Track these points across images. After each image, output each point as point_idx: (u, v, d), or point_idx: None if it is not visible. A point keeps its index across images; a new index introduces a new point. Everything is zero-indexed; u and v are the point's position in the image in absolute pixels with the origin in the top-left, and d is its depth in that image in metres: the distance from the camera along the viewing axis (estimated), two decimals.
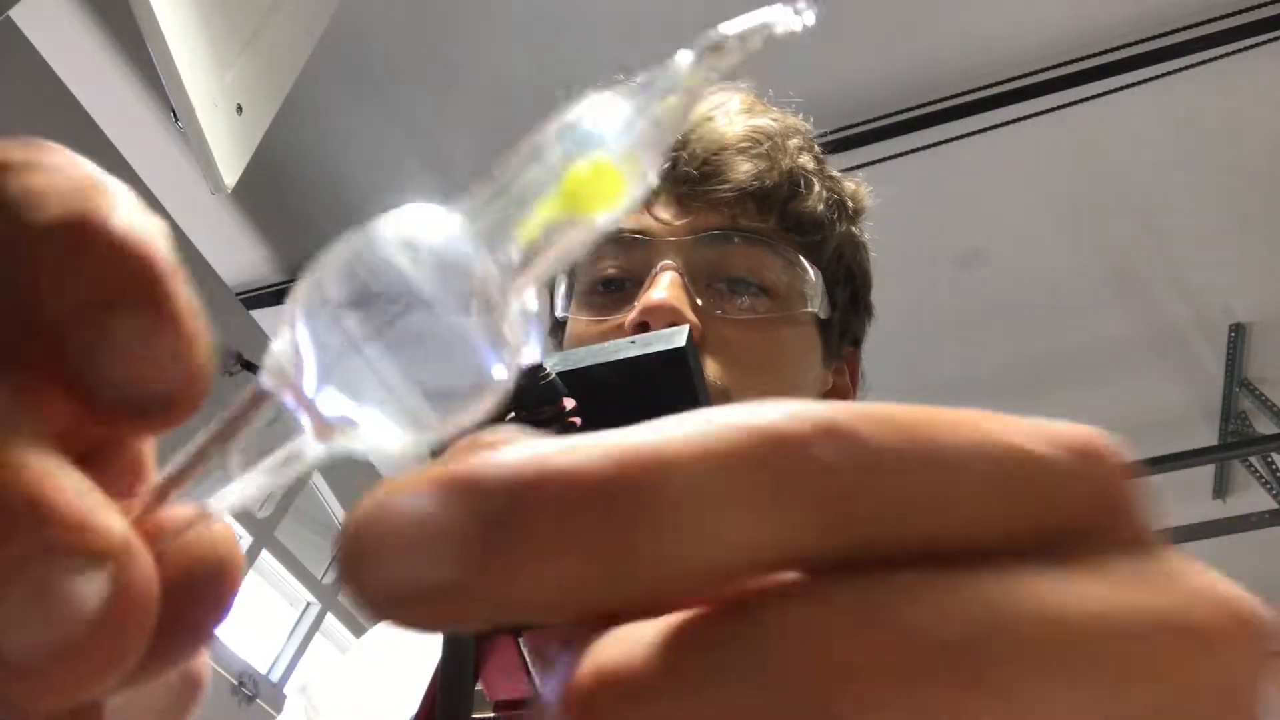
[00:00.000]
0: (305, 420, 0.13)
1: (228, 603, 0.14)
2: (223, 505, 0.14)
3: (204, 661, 0.21)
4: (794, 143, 0.62)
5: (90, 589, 0.11)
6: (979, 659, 0.10)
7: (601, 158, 0.14)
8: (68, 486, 0.12)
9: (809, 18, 0.15)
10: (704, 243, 0.57)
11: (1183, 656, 0.11)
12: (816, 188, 0.61)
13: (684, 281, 0.56)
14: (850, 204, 0.66)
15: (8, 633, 0.11)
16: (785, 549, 0.11)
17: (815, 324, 0.61)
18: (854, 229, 0.66)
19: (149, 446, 0.15)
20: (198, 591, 0.13)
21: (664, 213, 0.59)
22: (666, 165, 0.58)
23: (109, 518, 0.12)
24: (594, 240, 0.14)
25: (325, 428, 0.14)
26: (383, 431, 0.13)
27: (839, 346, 0.65)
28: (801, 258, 0.60)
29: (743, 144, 0.60)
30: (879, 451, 0.11)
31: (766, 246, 0.59)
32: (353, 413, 0.13)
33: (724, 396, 0.54)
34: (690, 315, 0.54)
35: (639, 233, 0.59)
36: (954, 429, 0.11)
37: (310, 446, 0.14)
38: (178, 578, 0.13)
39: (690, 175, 0.59)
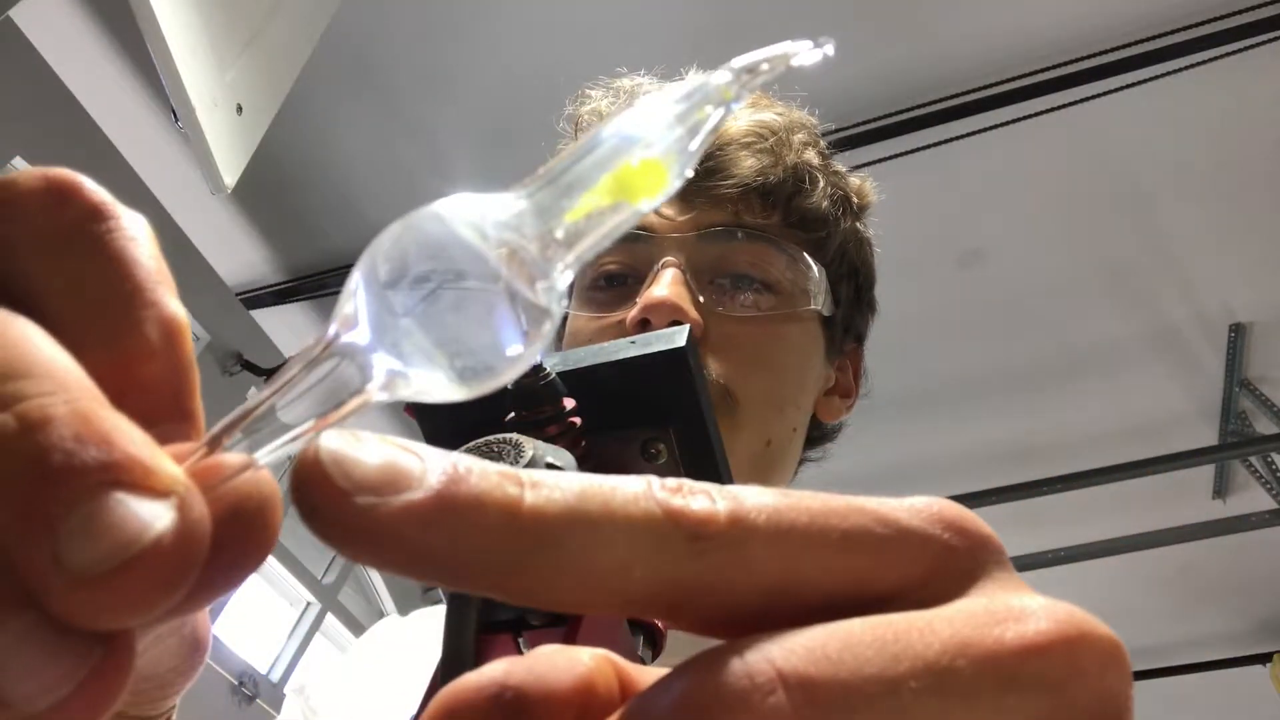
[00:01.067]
0: (374, 370, 0.15)
1: (270, 540, 0.15)
2: (276, 453, 0.16)
3: (207, 625, 0.23)
4: (799, 138, 0.62)
5: (147, 518, 0.13)
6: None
7: (649, 155, 0.16)
8: (136, 437, 0.14)
9: (829, 50, 0.18)
10: (707, 239, 0.57)
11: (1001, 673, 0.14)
12: (821, 183, 0.61)
13: (686, 278, 0.55)
14: (855, 200, 0.65)
15: (74, 544, 0.12)
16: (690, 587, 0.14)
17: (818, 321, 0.61)
18: (858, 225, 0.66)
19: (197, 417, 0.17)
20: (242, 529, 0.15)
21: (667, 208, 0.58)
22: None
23: (167, 462, 0.14)
24: (627, 228, 0.17)
25: (388, 379, 0.15)
26: (434, 384, 0.16)
27: (842, 343, 0.65)
28: (805, 254, 0.59)
29: (747, 139, 0.59)
30: (754, 529, 0.15)
31: (770, 243, 0.58)
32: (409, 366, 0.15)
33: (726, 394, 0.54)
34: (692, 312, 0.54)
35: (641, 228, 0.58)
36: (814, 515, 0.15)
37: (374, 395, 0.16)
38: (225, 516, 0.14)
39: (694, 170, 0.58)
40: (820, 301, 0.60)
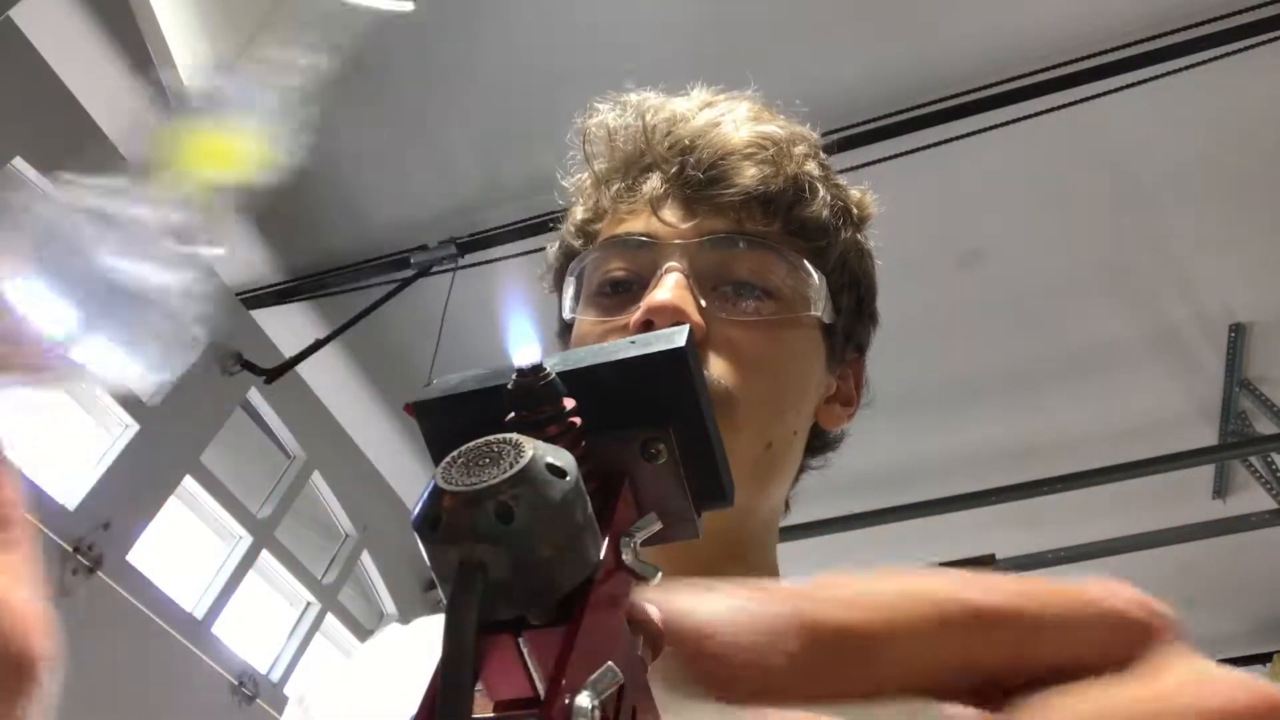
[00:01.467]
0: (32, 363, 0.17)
1: None
2: None
3: (30, 647, 0.21)
4: (800, 149, 0.63)
5: None
6: None
7: (224, 131, 0.18)
8: None
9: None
10: (709, 246, 0.58)
11: None
12: (822, 193, 0.62)
13: (689, 283, 0.56)
14: (855, 211, 0.66)
15: None
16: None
17: (819, 328, 0.62)
18: (859, 236, 0.67)
19: None
20: None
21: (670, 216, 0.60)
22: (674, 170, 0.60)
23: None
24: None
25: (44, 369, 0.17)
26: (99, 369, 0.17)
27: (843, 352, 0.66)
28: (806, 262, 0.60)
29: (749, 149, 0.60)
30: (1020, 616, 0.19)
31: (771, 250, 0.59)
32: (71, 355, 0.17)
33: (727, 397, 0.55)
34: (695, 315, 0.55)
35: (646, 235, 0.59)
36: (1060, 600, 0.19)
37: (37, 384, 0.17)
38: None
39: (697, 179, 0.60)
40: (821, 308, 0.60)
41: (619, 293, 0.60)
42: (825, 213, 0.62)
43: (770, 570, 0.62)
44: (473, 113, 2.23)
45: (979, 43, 2.06)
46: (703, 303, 0.56)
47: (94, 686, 1.88)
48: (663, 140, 0.62)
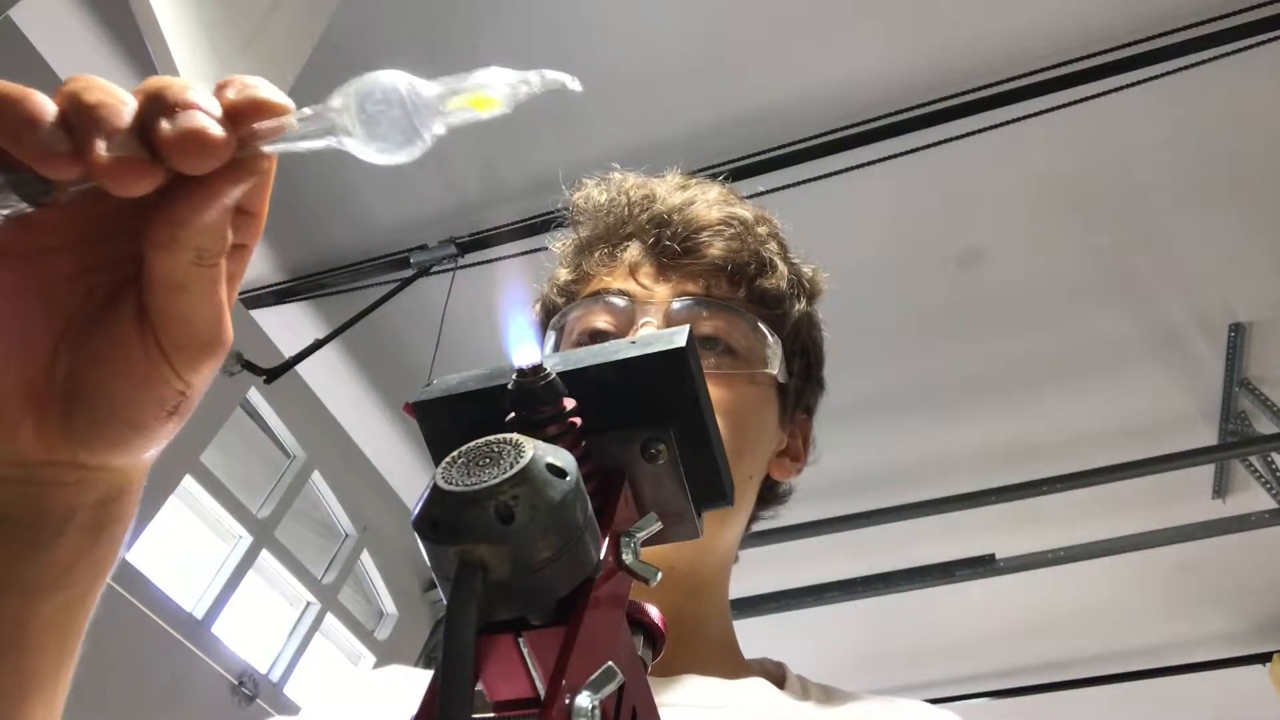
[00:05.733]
0: (339, 126, 0.31)
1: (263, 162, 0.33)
2: (280, 145, 0.32)
3: (188, 391, 0.36)
4: (763, 229, 0.72)
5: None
6: None
7: (482, 92, 0.31)
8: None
9: (575, 85, 0.31)
10: (681, 306, 0.66)
11: None
12: (780, 268, 0.70)
13: None
14: (809, 286, 0.74)
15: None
16: None
17: (774, 387, 0.69)
18: (811, 308, 0.74)
19: None
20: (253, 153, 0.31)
21: (647, 280, 0.68)
22: (651, 240, 0.69)
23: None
24: (471, 119, 0.31)
25: (341, 134, 0.32)
26: (363, 150, 0.32)
27: (794, 411, 0.73)
28: (764, 326, 0.67)
29: (719, 226, 0.69)
30: None
31: (734, 312, 0.67)
32: (353, 137, 0.32)
33: None
34: None
35: (628, 295, 0.67)
36: None
37: (338, 139, 0.32)
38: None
39: (673, 249, 0.68)
40: (776, 368, 0.67)
41: (597, 343, 0.65)
42: (783, 284, 0.69)
43: (722, 608, 0.67)
44: None
45: (979, 43, 2.05)
46: None
47: (93, 686, 1.88)
48: (643, 214, 0.70)
